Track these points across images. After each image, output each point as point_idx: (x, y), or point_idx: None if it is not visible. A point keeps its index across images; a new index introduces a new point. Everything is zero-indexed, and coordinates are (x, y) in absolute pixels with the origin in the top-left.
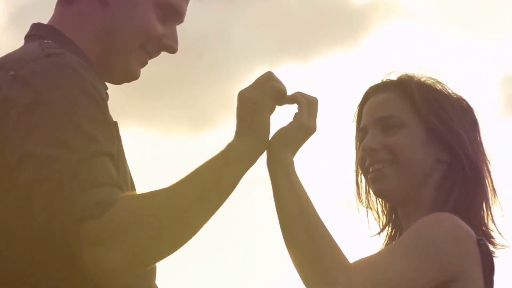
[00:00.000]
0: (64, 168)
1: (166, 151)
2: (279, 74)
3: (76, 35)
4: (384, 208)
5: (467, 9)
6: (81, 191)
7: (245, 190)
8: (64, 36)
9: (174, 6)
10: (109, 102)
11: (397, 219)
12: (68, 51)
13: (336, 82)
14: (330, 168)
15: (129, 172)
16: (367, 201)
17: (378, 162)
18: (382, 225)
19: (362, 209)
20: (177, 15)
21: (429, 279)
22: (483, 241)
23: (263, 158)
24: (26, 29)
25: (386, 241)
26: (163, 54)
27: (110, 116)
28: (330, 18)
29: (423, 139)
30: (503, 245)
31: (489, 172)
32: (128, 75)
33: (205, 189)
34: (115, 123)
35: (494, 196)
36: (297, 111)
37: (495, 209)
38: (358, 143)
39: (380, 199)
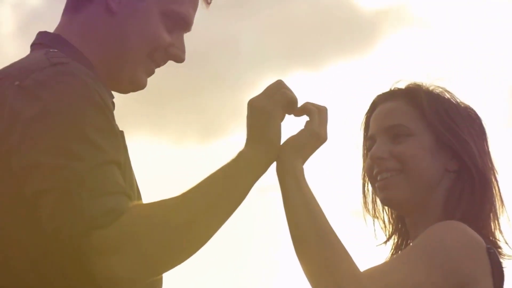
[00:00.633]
0: (71, 177)
1: (176, 160)
2: (289, 82)
3: (83, 44)
4: (390, 218)
5: (478, 17)
6: (90, 200)
7: (256, 198)
8: (70, 45)
9: (181, 14)
10: (117, 111)
11: (403, 228)
12: (74, 60)
13: (347, 90)
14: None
15: (136, 181)
16: (373, 210)
17: (386, 170)
18: (389, 235)
19: (369, 218)
20: (185, 24)
21: (440, 287)
22: (493, 249)
23: (273, 167)
24: (34, 37)
25: (392, 250)
26: (173, 62)
27: (116, 125)
28: (340, 26)
29: (432, 148)
30: (510, 256)
31: (497, 182)
32: (135, 84)
33: (216, 198)
34: (121, 133)
35: (502, 206)
36: (308, 119)
37: (503, 219)
38: (365, 152)
39: (386, 208)
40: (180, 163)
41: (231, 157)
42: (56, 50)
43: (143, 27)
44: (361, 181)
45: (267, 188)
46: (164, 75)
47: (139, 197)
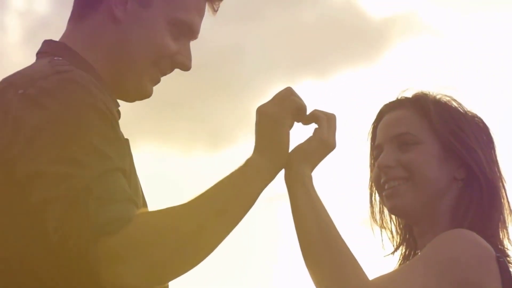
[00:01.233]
0: (77, 185)
1: (183, 169)
2: (297, 90)
3: (88, 53)
4: (398, 228)
5: (487, 25)
6: (96, 208)
7: (263, 207)
8: (76, 53)
9: (187, 22)
10: (123, 120)
11: (411, 238)
12: (79, 68)
13: (355, 99)
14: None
15: (141, 189)
16: (381, 220)
17: (393, 179)
18: (396, 245)
19: (377, 228)
20: (190, 32)
21: None
22: (502, 258)
23: (281, 174)
24: (40, 45)
25: (400, 260)
26: (179, 70)
27: (121, 133)
28: (348, 34)
29: (439, 156)
30: None
31: (505, 190)
32: (141, 93)
33: (224, 205)
34: (127, 140)
35: (510, 214)
36: (316, 126)
37: (511, 227)
38: (372, 161)
39: (394, 218)
40: (188, 172)
41: (239, 164)
42: (60, 58)
43: (148, 35)
44: (368, 191)
45: (275, 197)
46: (171, 83)
47: (144, 205)
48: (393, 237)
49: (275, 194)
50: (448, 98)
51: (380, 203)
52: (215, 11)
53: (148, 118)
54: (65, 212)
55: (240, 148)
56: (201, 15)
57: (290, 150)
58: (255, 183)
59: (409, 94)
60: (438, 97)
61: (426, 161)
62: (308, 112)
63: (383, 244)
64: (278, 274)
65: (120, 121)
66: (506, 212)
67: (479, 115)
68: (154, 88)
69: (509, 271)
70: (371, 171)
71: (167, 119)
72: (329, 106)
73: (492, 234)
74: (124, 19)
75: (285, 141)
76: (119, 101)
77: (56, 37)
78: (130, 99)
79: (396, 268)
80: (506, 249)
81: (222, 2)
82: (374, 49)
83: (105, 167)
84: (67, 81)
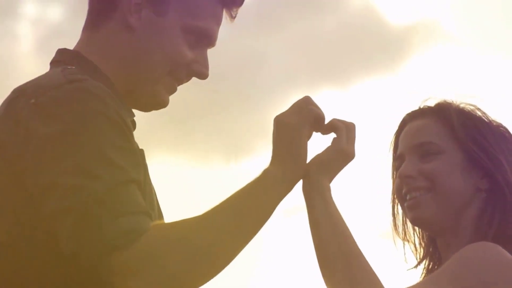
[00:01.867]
0: (90, 197)
1: (200, 181)
2: (317, 100)
3: (102, 61)
4: (421, 240)
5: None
6: (109, 221)
7: (281, 219)
8: (90, 62)
9: (204, 29)
10: (139, 130)
11: (435, 251)
12: (92, 78)
13: (376, 109)
14: (369, 197)
15: (157, 201)
16: (403, 232)
17: (415, 189)
18: (420, 258)
19: (399, 241)
20: (207, 39)
21: None
22: None
23: (299, 185)
24: (53, 54)
25: (423, 274)
26: (196, 79)
27: (136, 143)
28: (369, 42)
29: (462, 166)
30: None
31: None
32: (156, 103)
33: (239, 218)
34: (141, 151)
35: None
36: (335, 136)
37: None
38: (394, 172)
39: (417, 230)
40: (204, 184)
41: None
42: (73, 67)
43: (163, 43)
44: (390, 203)
45: (293, 209)
46: (188, 92)
47: (160, 217)
48: (416, 250)
49: (293, 206)
50: (472, 107)
51: (402, 215)
52: (232, 17)
53: (164, 128)
54: (76, 225)
55: (258, 159)
56: (217, 22)
57: (308, 160)
58: (271, 195)
59: (432, 103)
60: (461, 106)
61: (449, 171)
62: (326, 122)
63: (405, 258)
64: None
65: (135, 132)
66: None
67: (505, 124)
68: (171, 97)
69: None
70: (393, 182)
71: (183, 129)
72: (349, 116)
73: None
74: (139, 27)
75: (303, 151)
76: (134, 111)
77: (70, 46)
78: (145, 108)
79: (419, 281)
80: None
81: (241, 10)
82: (395, 58)
83: (118, 178)
84: (80, 91)
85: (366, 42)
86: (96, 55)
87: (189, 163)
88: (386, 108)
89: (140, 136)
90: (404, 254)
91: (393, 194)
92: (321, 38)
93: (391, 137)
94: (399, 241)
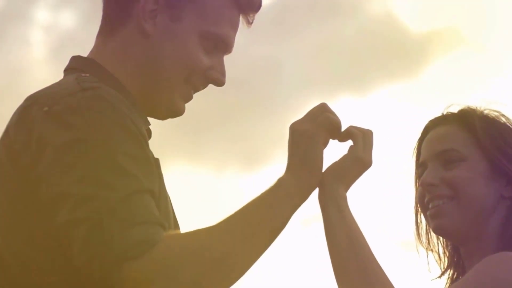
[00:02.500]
0: (102, 207)
1: (216, 190)
2: (335, 107)
3: (117, 69)
4: (445, 249)
5: None
6: (121, 231)
7: (297, 229)
8: (104, 70)
9: (220, 35)
10: (154, 138)
11: (459, 260)
12: (107, 85)
13: (395, 116)
14: (388, 205)
15: (173, 210)
16: (427, 242)
17: (437, 198)
18: (444, 268)
19: (422, 250)
20: (224, 45)
21: None
22: None
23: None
24: (67, 61)
25: (447, 283)
26: (213, 86)
27: (151, 152)
28: (388, 48)
29: (486, 174)
30: None
31: None
32: (172, 110)
33: (254, 227)
34: (156, 160)
35: None
36: (352, 143)
37: None
38: (417, 180)
39: (441, 239)
40: (221, 193)
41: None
42: (87, 75)
43: (179, 50)
44: (413, 211)
45: (309, 218)
46: (204, 100)
47: (176, 227)
48: (440, 259)
49: (309, 215)
50: (496, 113)
51: (426, 224)
52: (249, 23)
53: (180, 136)
54: (89, 235)
55: (275, 168)
56: (234, 28)
57: (324, 168)
58: (286, 204)
59: (455, 109)
60: (485, 112)
61: (472, 179)
62: (343, 129)
63: (429, 267)
64: None
65: (151, 140)
66: None
67: None
68: (187, 105)
69: None
70: (416, 191)
71: (199, 137)
72: (367, 123)
73: None
74: (154, 33)
75: (319, 159)
76: (150, 119)
77: (83, 53)
78: (161, 116)
79: None
80: None
81: (258, 16)
82: (413, 64)
83: (131, 188)
84: (94, 98)
85: (385, 48)
86: (111, 63)
87: (205, 172)
88: (404, 115)
89: (156, 145)
90: (428, 263)
91: (416, 202)
92: (339, 44)
93: (408, 145)
94: (423, 250)
